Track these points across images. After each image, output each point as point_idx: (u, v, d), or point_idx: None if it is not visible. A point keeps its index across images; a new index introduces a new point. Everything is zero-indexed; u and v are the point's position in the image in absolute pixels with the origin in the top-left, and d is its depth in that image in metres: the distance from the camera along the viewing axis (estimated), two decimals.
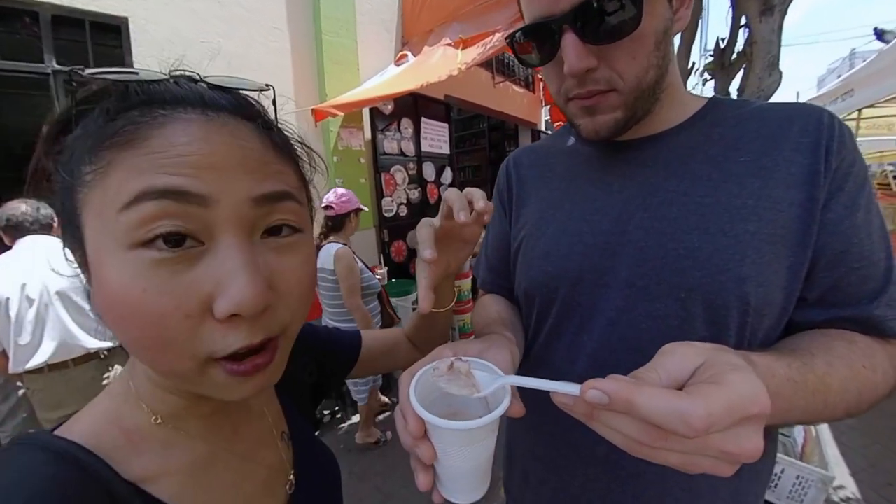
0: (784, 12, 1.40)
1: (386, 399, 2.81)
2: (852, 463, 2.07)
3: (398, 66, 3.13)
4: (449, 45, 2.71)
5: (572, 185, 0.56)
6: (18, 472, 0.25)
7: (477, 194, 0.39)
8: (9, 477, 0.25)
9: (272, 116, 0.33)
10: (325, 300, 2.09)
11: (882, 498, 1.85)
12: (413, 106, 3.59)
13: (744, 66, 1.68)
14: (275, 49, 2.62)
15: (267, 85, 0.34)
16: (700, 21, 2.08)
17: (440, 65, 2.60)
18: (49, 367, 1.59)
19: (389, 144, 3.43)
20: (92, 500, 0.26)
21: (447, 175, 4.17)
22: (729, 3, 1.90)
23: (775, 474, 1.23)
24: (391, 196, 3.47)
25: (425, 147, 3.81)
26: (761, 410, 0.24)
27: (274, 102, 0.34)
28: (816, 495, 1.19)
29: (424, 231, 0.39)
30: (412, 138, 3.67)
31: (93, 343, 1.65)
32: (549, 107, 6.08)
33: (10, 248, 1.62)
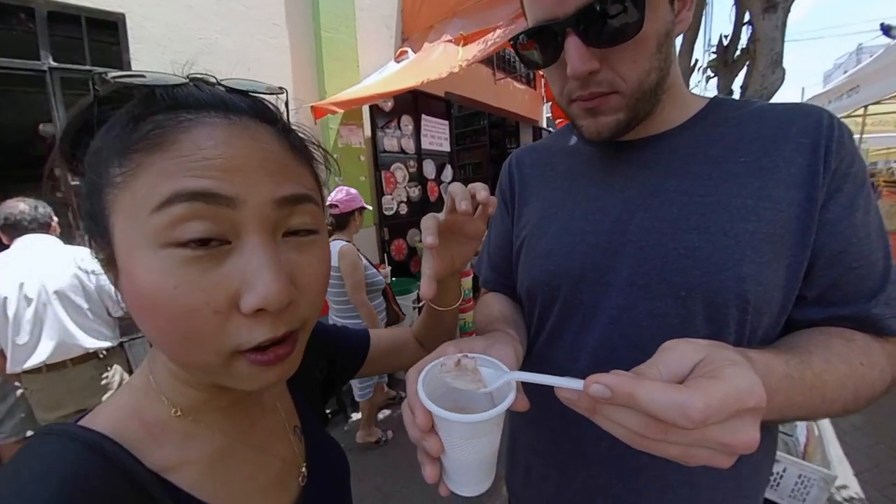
0: (787, 9, 1.41)
1: (393, 392, 2.85)
2: (856, 463, 2.08)
3: (398, 62, 3.13)
4: (449, 41, 2.71)
5: (574, 184, 0.56)
6: (48, 460, 0.27)
7: (479, 187, 0.41)
8: (39, 465, 0.27)
9: (285, 118, 0.35)
10: (331, 297, 2.11)
11: (886, 498, 1.86)
12: (413, 103, 3.59)
13: (747, 63, 1.70)
14: (273, 45, 2.62)
15: (280, 88, 0.35)
16: (704, 17, 2.08)
17: (441, 61, 2.60)
18: (47, 367, 1.60)
19: (389, 142, 3.44)
20: (117, 487, 0.28)
21: (447, 173, 4.18)
22: (732, 0, 1.91)
23: (777, 473, 1.25)
24: (391, 194, 3.48)
25: (425, 144, 3.81)
26: (757, 403, 0.25)
27: (287, 104, 0.35)
28: (819, 494, 1.20)
29: (428, 221, 0.41)
30: (412, 135, 3.67)
31: (91, 343, 1.66)
32: (550, 103, 6.08)
33: (7, 246, 1.63)
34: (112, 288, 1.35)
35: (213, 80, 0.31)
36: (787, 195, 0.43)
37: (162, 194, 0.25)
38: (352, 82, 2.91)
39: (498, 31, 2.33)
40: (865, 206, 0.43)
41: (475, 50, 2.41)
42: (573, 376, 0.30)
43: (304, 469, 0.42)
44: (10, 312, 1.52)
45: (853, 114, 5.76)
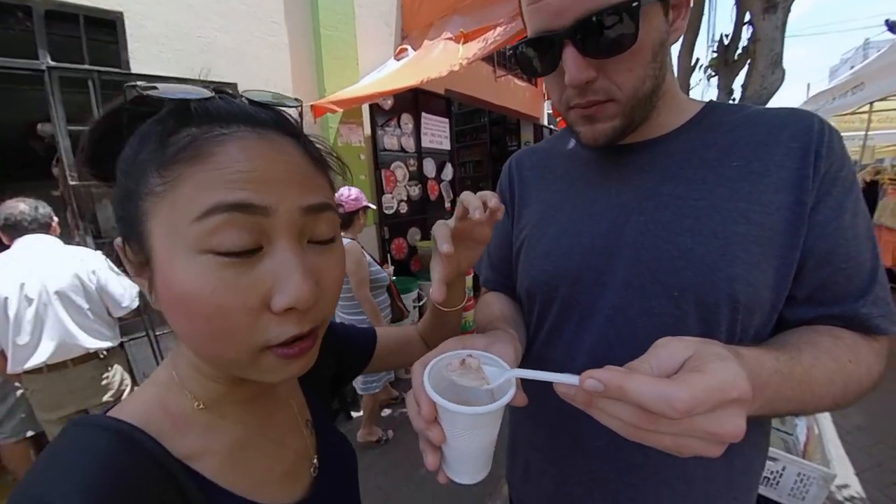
0: (787, 10, 1.42)
1: (395, 392, 2.90)
2: (857, 462, 2.10)
3: (398, 60, 3.14)
4: (450, 39, 2.72)
5: (572, 187, 0.59)
6: (82, 447, 0.30)
7: (489, 195, 0.43)
8: (74, 452, 0.29)
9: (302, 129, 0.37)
10: None
11: (887, 497, 1.88)
12: (413, 101, 3.60)
13: (747, 62, 1.71)
14: (273, 44, 2.62)
15: (296, 99, 0.37)
16: (708, 15, 2.12)
17: (441, 59, 2.60)
18: (48, 368, 1.62)
19: (389, 140, 3.44)
20: (146, 472, 0.30)
21: (448, 171, 4.18)
22: (733, 1, 1.93)
23: (777, 472, 1.27)
24: (391, 193, 3.49)
25: (426, 143, 3.81)
26: (740, 395, 0.27)
27: (301, 114, 0.37)
28: (818, 492, 1.22)
29: (442, 229, 0.43)
30: (412, 134, 3.68)
31: (92, 343, 1.68)
32: (550, 101, 6.08)
33: (8, 247, 1.64)
34: (113, 288, 1.37)
35: (231, 91, 0.34)
36: (778, 199, 0.45)
37: (203, 205, 0.28)
38: (351, 80, 2.91)
39: (498, 29, 2.34)
40: (854, 208, 0.45)
41: (476, 48, 2.42)
42: (571, 373, 0.32)
43: (315, 461, 0.45)
44: (11, 313, 1.54)
45: (859, 110, 5.76)
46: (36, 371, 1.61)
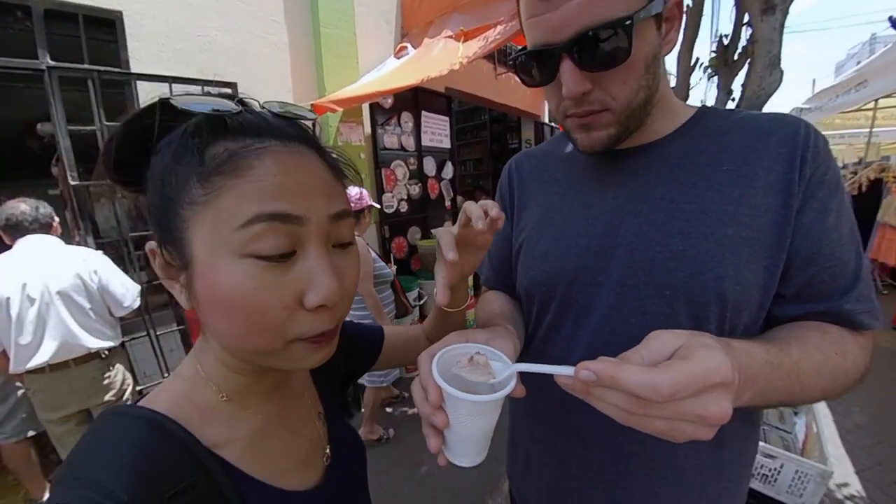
0: (785, 11, 1.44)
1: (396, 391, 2.95)
2: (858, 461, 2.13)
3: (398, 58, 3.16)
4: (450, 37, 2.73)
5: (570, 190, 0.61)
6: (118, 432, 0.33)
7: (490, 205, 0.46)
8: (113, 438, 0.33)
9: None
10: None
11: (887, 496, 1.91)
12: (413, 99, 3.61)
13: (747, 62, 1.74)
14: (272, 42, 2.64)
15: (312, 111, 0.41)
16: (711, 15, 2.14)
17: (441, 58, 2.62)
18: (50, 367, 1.64)
19: (389, 139, 3.46)
20: (177, 457, 0.34)
21: (448, 170, 4.20)
22: (733, 2, 1.96)
23: (775, 469, 1.30)
24: (392, 192, 3.51)
25: (426, 141, 3.83)
26: (723, 379, 0.30)
27: (314, 124, 0.40)
28: (816, 489, 1.25)
29: (446, 237, 0.45)
30: (412, 132, 3.69)
31: (94, 343, 1.71)
32: (549, 107, 6.10)
33: (10, 247, 1.66)
34: (115, 288, 1.41)
35: (256, 102, 0.37)
36: (765, 202, 0.47)
37: (245, 215, 0.31)
38: (351, 79, 2.93)
39: (499, 28, 2.36)
40: (838, 210, 0.47)
41: (476, 46, 2.44)
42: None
43: (328, 451, 0.49)
44: (14, 313, 1.56)
45: (864, 107, 5.78)
46: (38, 371, 1.63)
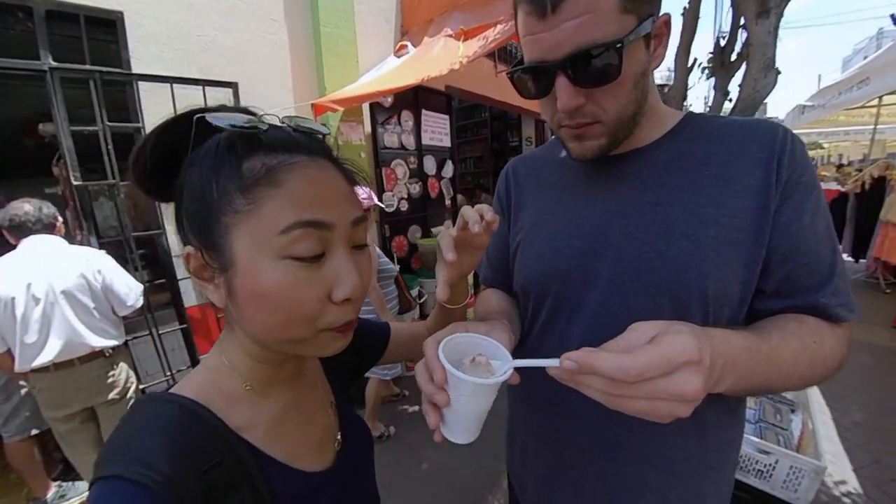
0: (780, 15, 1.48)
1: (397, 389, 3.01)
2: (856, 459, 2.17)
3: (398, 57, 3.18)
4: (450, 36, 2.75)
5: (563, 194, 0.65)
6: (155, 415, 0.38)
7: (486, 209, 0.50)
8: (149, 419, 0.38)
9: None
10: None
11: (885, 494, 1.94)
12: (413, 98, 3.64)
13: (743, 64, 1.78)
14: (272, 42, 2.66)
15: (325, 126, 0.46)
16: (715, 14, 2.17)
17: (441, 57, 2.64)
18: (55, 366, 1.68)
19: (389, 138, 3.49)
20: (207, 437, 0.38)
21: (448, 168, 4.23)
22: (729, 4, 2.00)
23: (770, 465, 1.33)
24: (392, 191, 3.54)
25: (426, 140, 3.86)
26: (689, 358, 0.33)
27: (324, 137, 0.45)
28: (810, 485, 1.29)
29: (446, 240, 0.50)
30: (412, 131, 3.72)
31: (98, 341, 1.74)
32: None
33: (14, 247, 1.70)
34: (119, 287, 1.46)
35: (277, 117, 0.43)
36: (745, 203, 0.51)
37: (284, 222, 0.36)
38: (351, 78, 2.96)
39: (498, 27, 2.38)
40: (813, 210, 0.51)
41: (476, 46, 2.46)
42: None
43: (339, 437, 0.54)
44: (19, 312, 1.60)
45: (868, 104, 5.80)
46: (43, 369, 1.67)
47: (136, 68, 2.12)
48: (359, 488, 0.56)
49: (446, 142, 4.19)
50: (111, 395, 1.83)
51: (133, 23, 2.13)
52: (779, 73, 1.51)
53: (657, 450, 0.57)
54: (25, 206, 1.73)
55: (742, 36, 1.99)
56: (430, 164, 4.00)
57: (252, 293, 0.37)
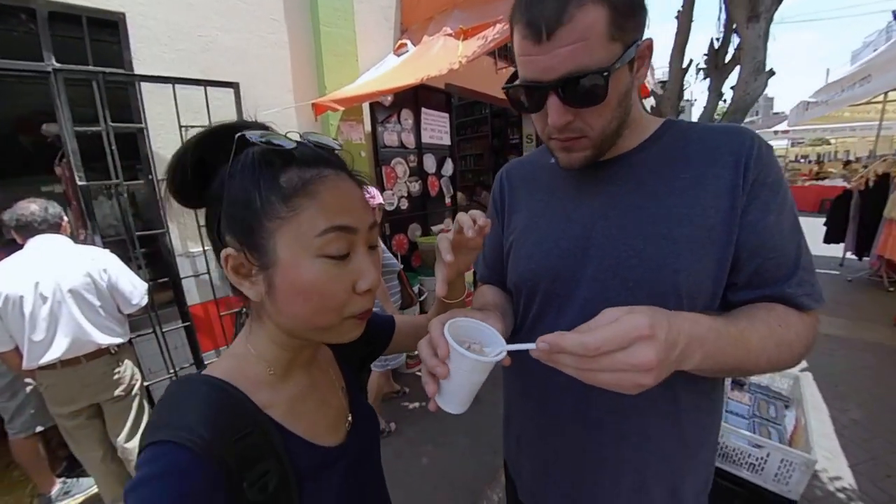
0: (769, 20, 1.53)
1: (398, 386, 3.09)
2: (853, 456, 2.21)
3: (398, 55, 3.23)
4: (450, 34, 2.79)
5: (552, 198, 0.72)
6: (191, 392, 0.45)
7: (478, 215, 0.57)
8: (186, 395, 0.44)
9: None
10: None
11: (881, 491, 1.97)
12: (413, 96, 3.68)
13: (736, 67, 1.84)
14: (273, 42, 2.71)
15: (337, 140, 0.53)
16: (718, 14, 2.22)
17: (441, 56, 2.68)
18: (62, 363, 1.73)
19: (389, 137, 3.54)
20: (237, 411, 0.45)
21: (448, 167, 4.28)
22: (723, 7, 2.06)
23: (762, 458, 1.39)
24: (392, 189, 3.59)
25: (426, 138, 3.91)
26: (641, 333, 0.39)
27: (339, 150, 0.52)
28: (800, 478, 1.34)
29: (444, 242, 0.57)
30: (412, 130, 3.77)
31: (104, 339, 1.80)
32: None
33: (21, 246, 1.75)
34: (124, 286, 1.54)
35: (298, 133, 0.50)
36: (716, 204, 0.57)
37: (320, 227, 0.44)
38: (351, 77, 3.00)
39: (498, 26, 2.42)
40: (779, 208, 0.57)
41: (475, 45, 2.50)
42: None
43: (349, 418, 0.60)
44: (27, 311, 1.65)
45: (874, 100, 5.83)
46: (50, 367, 1.73)
47: (138, 69, 2.17)
48: (368, 464, 0.62)
49: (446, 140, 4.23)
50: (117, 392, 1.88)
51: (135, 24, 2.18)
52: (772, 74, 1.57)
53: (636, 429, 0.63)
54: (31, 206, 1.78)
55: (735, 39, 2.05)
56: (429, 163, 4.04)
57: (292, 286, 0.45)
